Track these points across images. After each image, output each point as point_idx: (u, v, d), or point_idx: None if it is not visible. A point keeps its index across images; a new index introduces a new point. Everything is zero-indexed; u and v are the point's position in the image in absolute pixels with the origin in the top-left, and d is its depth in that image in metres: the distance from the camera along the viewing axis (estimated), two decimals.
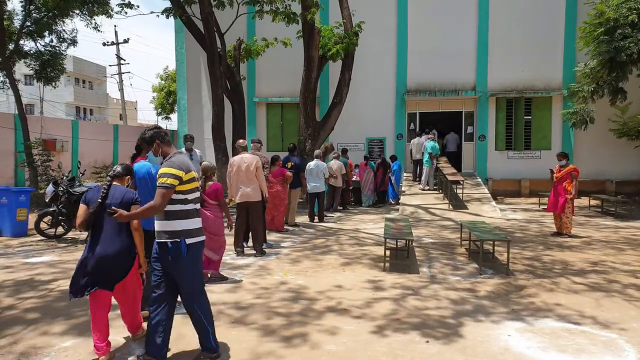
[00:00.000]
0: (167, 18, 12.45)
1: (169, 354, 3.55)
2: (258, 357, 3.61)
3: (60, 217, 8.39)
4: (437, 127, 16.07)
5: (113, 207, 3.36)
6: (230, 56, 13.45)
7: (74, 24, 59.76)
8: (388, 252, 6.76)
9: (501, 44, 16.10)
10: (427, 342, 3.89)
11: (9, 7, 34.49)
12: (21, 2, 14.72)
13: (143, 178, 4.37)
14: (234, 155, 7.78)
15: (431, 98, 16.51)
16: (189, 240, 3.34)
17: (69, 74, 36.02)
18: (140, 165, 4.45)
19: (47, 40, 15.65)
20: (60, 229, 8.56)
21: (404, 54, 16.58)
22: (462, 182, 12.54)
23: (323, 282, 5.68)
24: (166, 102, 31.88)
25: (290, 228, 9.57)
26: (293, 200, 9.83)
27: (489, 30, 16.13)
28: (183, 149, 8.78)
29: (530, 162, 16.17)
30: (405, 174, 16.06)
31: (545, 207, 9.84)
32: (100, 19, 50.61)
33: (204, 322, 3.45)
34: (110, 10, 15.31)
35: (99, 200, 3.55)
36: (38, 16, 14.86)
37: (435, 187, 14.29)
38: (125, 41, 30.37)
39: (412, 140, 15.27)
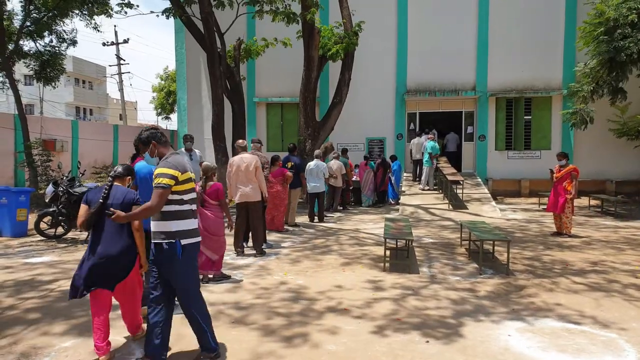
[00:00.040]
0: (167, 18, 12.44)
1: (168, 354, 3.55)
2: (258, 357, 3.61)
3: (60, 218, 8.40)
4: (437, 127, 16.08)
5: (111, 209, 3.38)
6: (230, 56, 13.44)
7: (74, 24, 59.57)
8: (388, 252, 6.76)
9: (501, 44, 16.10)
10: (427, 342, 3.89)
11: (9, 7, 34.45)
12: (21, 2, 14.73)
13: (144, 178, 4.37)
14: (233, 155, 7.78)
15: (431, 98, 16.52)
16: (184, 241, 3.33)
17: (69, 74, 36.02)
18: (142, 165, 4.45)
19: (46, 40, 15.70)
20: (60, 229, 8.57)
21: (404, 54, 16.59)
22: (462, 182, 12.54)
23: (323, 282, 5.68)
24: (166, 102, 31.88)
25: (290, 228, 9.57)
26: (293, 200, 9.83)
27: (489, 30, 16.14)
28: (183, 149, 8.80)
29: (530, 162, 16.17)
30: (405, 174, 16.06)
31: (545, 207, 9.84)
32: (100, 19, 50.58)
33: (200, 323, 3.44)
34: (110, 10, 15.30)
35: (100, 200, 3.56)
36: (38, 16, 14.86)
37: (435, 187, 14.30)
38: (125, 41, 30.36)
39: (412, 140, 15.28)
